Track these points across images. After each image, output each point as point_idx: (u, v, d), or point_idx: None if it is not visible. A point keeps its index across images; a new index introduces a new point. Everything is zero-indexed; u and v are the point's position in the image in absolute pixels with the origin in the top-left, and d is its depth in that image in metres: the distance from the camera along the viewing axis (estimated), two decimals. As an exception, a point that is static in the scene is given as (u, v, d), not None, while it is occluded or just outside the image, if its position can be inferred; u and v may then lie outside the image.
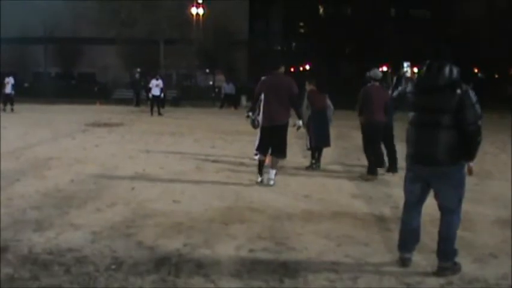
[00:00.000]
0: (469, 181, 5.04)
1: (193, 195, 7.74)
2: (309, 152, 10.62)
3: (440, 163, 4.68)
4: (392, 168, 9.61)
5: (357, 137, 15.39)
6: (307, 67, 58.19)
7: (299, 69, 55.35)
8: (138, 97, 31.71)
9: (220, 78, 42.38)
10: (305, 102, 10.34)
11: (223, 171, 9.82)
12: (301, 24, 61.91)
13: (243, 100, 34.77)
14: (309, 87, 10.49)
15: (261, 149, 8.78)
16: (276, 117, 8.49)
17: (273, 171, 8.63)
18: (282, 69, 8.85)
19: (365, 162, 11.09)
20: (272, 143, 8.65)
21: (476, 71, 53.02)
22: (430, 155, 4.69)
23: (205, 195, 7.80)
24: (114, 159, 10.81)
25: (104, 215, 6.58)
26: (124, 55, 42.89)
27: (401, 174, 9.20)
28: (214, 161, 10.92)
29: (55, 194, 7.52)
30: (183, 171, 9.69)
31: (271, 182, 8.53)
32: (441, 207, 4.87)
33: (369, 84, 9.54)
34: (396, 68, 55.26)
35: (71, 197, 7.41)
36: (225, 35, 43.27)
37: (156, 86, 23.88)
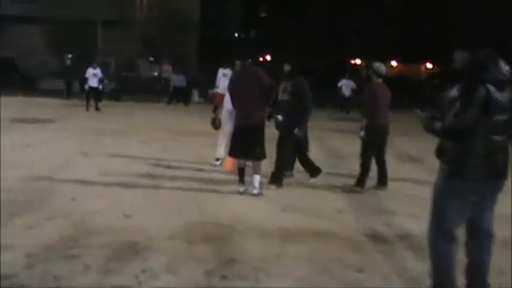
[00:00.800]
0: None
1: (146, 208, 7.52)
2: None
3: (502, 176, 4.58)
4: (382, 181, 9.51)
5: (331, 140, 15.58)
6: (268, 57, 58.30)
7: (258, 59, 55.33)
8: (70, 88, 31.09)
9: (167, 68, 41.88)
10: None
11: (180, 179, 9.60)
12: (262, 6, 62.03)
13: (195, 95, 34.47)
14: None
15: (235, 153, 8.67)
16: (249, 116, 8.37)
17: (258, 178, 8.55)
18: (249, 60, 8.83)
19: (343, 170, 11.22)
20: (248, 145, 8.51)
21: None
22: (494, 167, 4.51)
23: (160, 207, 7.60)
24: (48, 162, 10.46)
25: (40, 231, 6.30)
26: (52, 37, 41.80)
27: (391, 187, 9.36)
28: (167, 167, 10.70)
29: (-24, 206, 7.18)
30: (131, 178, 9.43)
31: (255, 191, 8.45)
32: (478, 229, 4.74)
33: (374, 81, 9.44)
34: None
35: (-2, 208, 7.07)
36: (172, 17, 42.82)
37: (93, 76, 23.38)
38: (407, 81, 48.26)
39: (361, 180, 9.28)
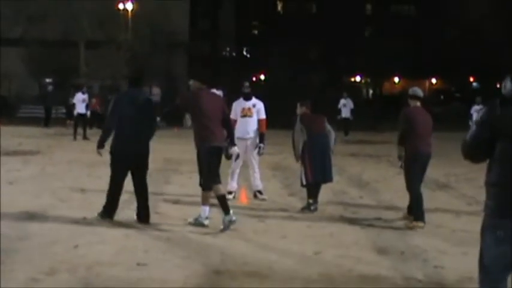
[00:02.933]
0: None
1: (162, 255, 6.94)
2: (299, 189, 10.07)
3: None
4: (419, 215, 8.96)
5: (351, 167, 15.08)
6: (262, 77, 58.07)
7: (251, 79, 54.95)
8: (49, 115, 30.59)
9: (157, 91, 41.51)
10: (298, 125, 9.76)
11: (193, 216, 9.01)
12: (255, 23, 61.87)
13: (188, 120, 33.93)
14: (301, 110, 9.96)
15: (213, 178, 8.59)
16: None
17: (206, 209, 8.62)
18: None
19: (370, 200, 10.76)
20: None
21: (471, 79, 54.12)
22: None
23: (177, 254, 7.03)
24: (39, 202, 9.85)
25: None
26: (32, 60, 41.32)
27: (428, 220, 8.86)
28: (175, 203, 10.18)
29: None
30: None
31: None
32: None
33: (411, 104, 9.14)
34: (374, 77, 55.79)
35: (-12, 261, 6.46)
36: (159, 36, 42.57)
37: (82, 102, 22.85)
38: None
39: (419, 215, 8.74)
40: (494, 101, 4.25)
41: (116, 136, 8.63)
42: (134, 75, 9.73)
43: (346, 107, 28.23)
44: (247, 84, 11.31)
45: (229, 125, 8.84)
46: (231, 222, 8.16)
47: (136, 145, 8.58)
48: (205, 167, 8.48)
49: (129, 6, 41.94)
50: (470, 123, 24.23)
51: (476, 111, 24.46)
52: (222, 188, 8.48)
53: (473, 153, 4.34)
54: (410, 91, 9.29)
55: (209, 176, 8.44)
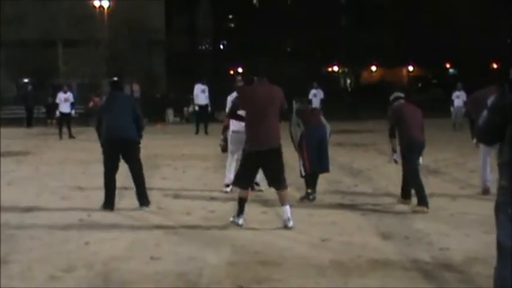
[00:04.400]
0: None
1: (174, 248, 7.05)
2: (294, 180, 10.21)
3: None
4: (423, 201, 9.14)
5: (340, 157, 15.21)
6: (240, 70, 58.07)
7: (228, 72, 54.95)
8: (31, 116, 30.48)
9: (136, 88, 41.40)
10: (294, 119, 9.94)
11: (195, 210, 9.17)
12: (231, 17, 61.84)
13: (170, 115, 34.02)
14: (296, 106, 10.18)
15: (242, 181, 8.17)
16: (268, 139, 7.92)
17: (288, 209, 7.98)
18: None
19: (365, 188, 10.95)
20: (267, 173, 8.11)
21: (448, 66, 54.51)
22: None
23: (188, 246, 7.13)
24: (41, 201, 9.91)
25: (65, 285, 5.81)
26: (9, 61, 40.97)
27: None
28: (175, 197, 10.29)
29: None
30: (140, 213, 8.96)
31: (290, 224, 7.88)
32: None
33: (396, 103, 9.48)
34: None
35: (5, 261, 6.52)
36: (137, 34, 42.41)
37: (64, 101, 22.78)
38: (391, 86, 48.19)
39: (422, 200, 8.92)
40: (503, 87, 4.43)
41: (105, 127, 9.24)
42: (114, 79, 10.32)
43: (316, 97, 28.22)
44: (239, 78, 11.39)
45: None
46: (236, 224, 8.01)
47: (124, 131, 9.16)
48: (241, 167, 8.29)
49: (105, 3, 41.61)
50: (451, 109, 24.52)
51: (457, 97, 24.71)
52: (245, 194, 8.13)
53: (486, 138, 4.58)
54: (392, 97, 9.58)
55: (240, 176, 8.24)
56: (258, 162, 8.04)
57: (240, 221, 8.01)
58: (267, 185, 8.35)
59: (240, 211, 8.04)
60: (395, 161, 9.60)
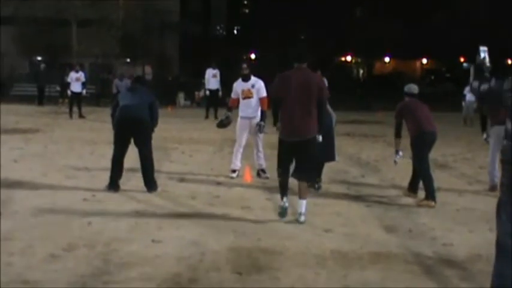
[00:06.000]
0: None
1: (176, 232, 7.03)
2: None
3: None
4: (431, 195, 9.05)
5: (348, 147, 15.16)
6: (253, 56, 57.94)
7: (242, 58, 54.80)
8: (42, 94, 30.48)
9: (148, 71, 41.41)
10: None
11: (200, 195, 9.14)
12: (245, 2, 61.59)
13: (181, 99, 33.92)
14: None
15: (279, 166, 7.92)
16: (303, 129, 7.66)
17: (304, 203, 7.72)
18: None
19: (372, 179, 10.89)
20: (296, 162, 7.83)
21: (462, 60, 54.10)
22: None
23: (191, 231, 7.11)
24: (46, 180, 9.92)
25: (64, 263, 5.79)
26: (23, 38, 40.99)
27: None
28: (181, 180, 10.25)
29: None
30: (146, 195, 8.95)
31: (302, 219, 7.64)
32: None
33: (406, 99, 9.41)
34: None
35: (7, 238, 6.52)
36: (151, 16, 42.29)
37: (76, 81, 22.74)
38: (404, 77, 47.88)
39: (430, 194, 8.86)
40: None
41: (119, 109, 9.24)
42: (139, 75, 10.72)
43: None
44: (245, 65, 11.19)
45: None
46: (280, 208, 7.78)
47: (137, 112, 9.13)
48: (278, 155, 7.97)
49: (121, -16, 41.60)
50: (463, 104, 24.29)
51: (468, 92, 24.40)
52: (284, 179, 7.85)
53: None
54: (406, 88, 9.50)
55: (278, 162, 7.95)
56: (291, 151, 7.79)
57: (284, 204, 7.74)
58: (291, 175, 7.93)
59: (283, 194, 7.79)
60: (395, 162, 9.58)
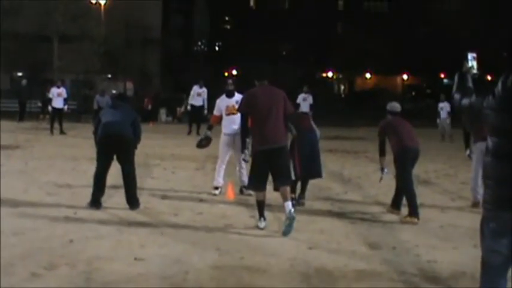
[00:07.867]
0: None
1: (159, 250, 6.95)
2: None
3: None
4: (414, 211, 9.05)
5: (330, 163, 15.14)
6: (234, 72, 58.06)
7: (223, 74, 54.90)
8: (23, 110, 30.28)
9: (130, 86, 41.33)
10: None
11: (183, 211, 9.08)
12: (227, 18, 61.74)
13: (163, 114, 33.84)
14: None
15: (255, 184, 8.19)
16: (275, 136, 8.02)
17: (290, 204, 7.96)
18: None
19: (355, 196, 10.88)
20: (273, 171, 8.08)
21: (442, 76, 54.56)
22: None
23: (174, 248, 7.04)
24: (27, 197, 9.81)
25: (46, 283, 5.70)
26: (4, 54, 40.72)
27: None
28: (163, 198, 10.17)
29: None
30: (127, 213, 8.87)
31: (293, 212, 7.83)
32: None
33: (388, 117, 9.46)
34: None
35: (-13, 256, 6.42)
36: (133, 31, 42.32)
37: (57, 96, 22.62)
38: (385, 93, 48.19)
39: (414, 211, 8.85)
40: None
41: (102, 125, 9.17)
42: (121, 93, 10.82)
43: (305, 101, 26.71)
44: (230, 81, 11.25)
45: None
46: (259, 228, 8.12)
47: (121, 129, 9.10)
48: (252, 170, 8.21)
49: (102, 0, 41.54)
50: (438, 120, 24.39)
51: (441, 109, 24.45)
52: (262, 196, 8.21)
53: None
54: (389, 106, 9.54)
55: (252, 180, 8.25)
56: (267, 161, 8.01)
57: (262, 224, 8.12)
58: (273, 188, 8.24)
59: (260, 214, 8.18)
60: (381, 179, 9.64)
